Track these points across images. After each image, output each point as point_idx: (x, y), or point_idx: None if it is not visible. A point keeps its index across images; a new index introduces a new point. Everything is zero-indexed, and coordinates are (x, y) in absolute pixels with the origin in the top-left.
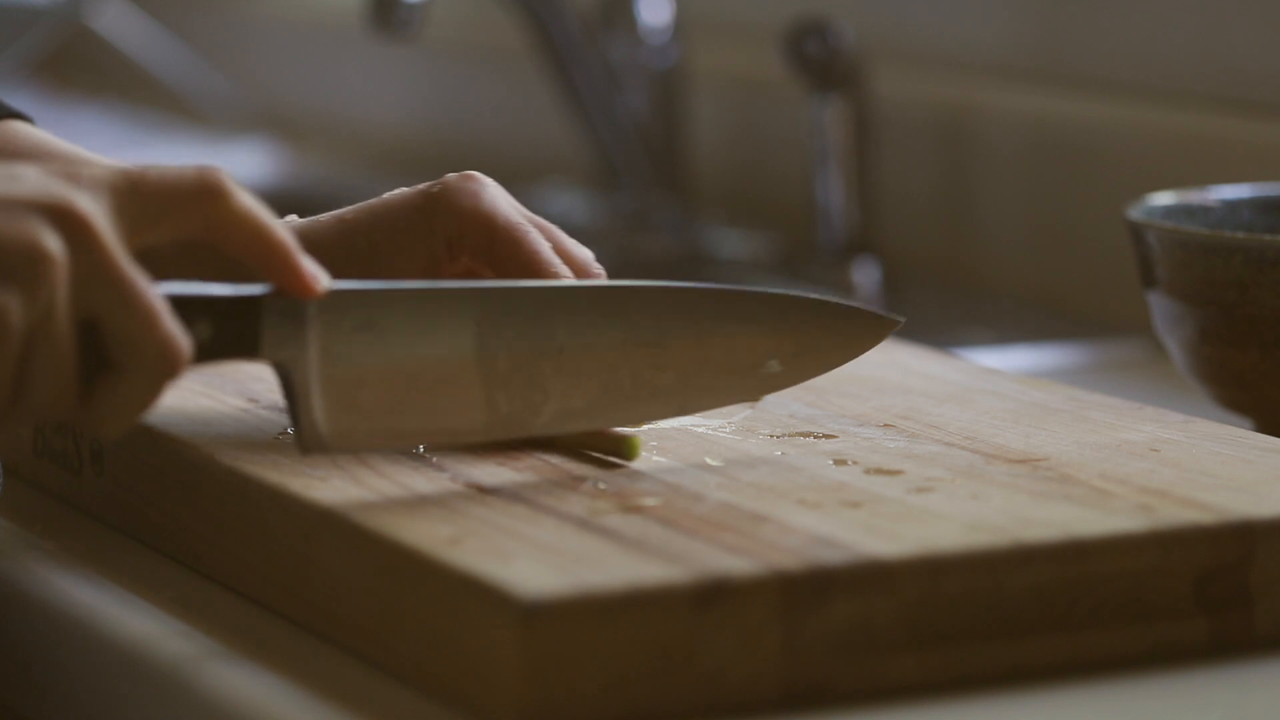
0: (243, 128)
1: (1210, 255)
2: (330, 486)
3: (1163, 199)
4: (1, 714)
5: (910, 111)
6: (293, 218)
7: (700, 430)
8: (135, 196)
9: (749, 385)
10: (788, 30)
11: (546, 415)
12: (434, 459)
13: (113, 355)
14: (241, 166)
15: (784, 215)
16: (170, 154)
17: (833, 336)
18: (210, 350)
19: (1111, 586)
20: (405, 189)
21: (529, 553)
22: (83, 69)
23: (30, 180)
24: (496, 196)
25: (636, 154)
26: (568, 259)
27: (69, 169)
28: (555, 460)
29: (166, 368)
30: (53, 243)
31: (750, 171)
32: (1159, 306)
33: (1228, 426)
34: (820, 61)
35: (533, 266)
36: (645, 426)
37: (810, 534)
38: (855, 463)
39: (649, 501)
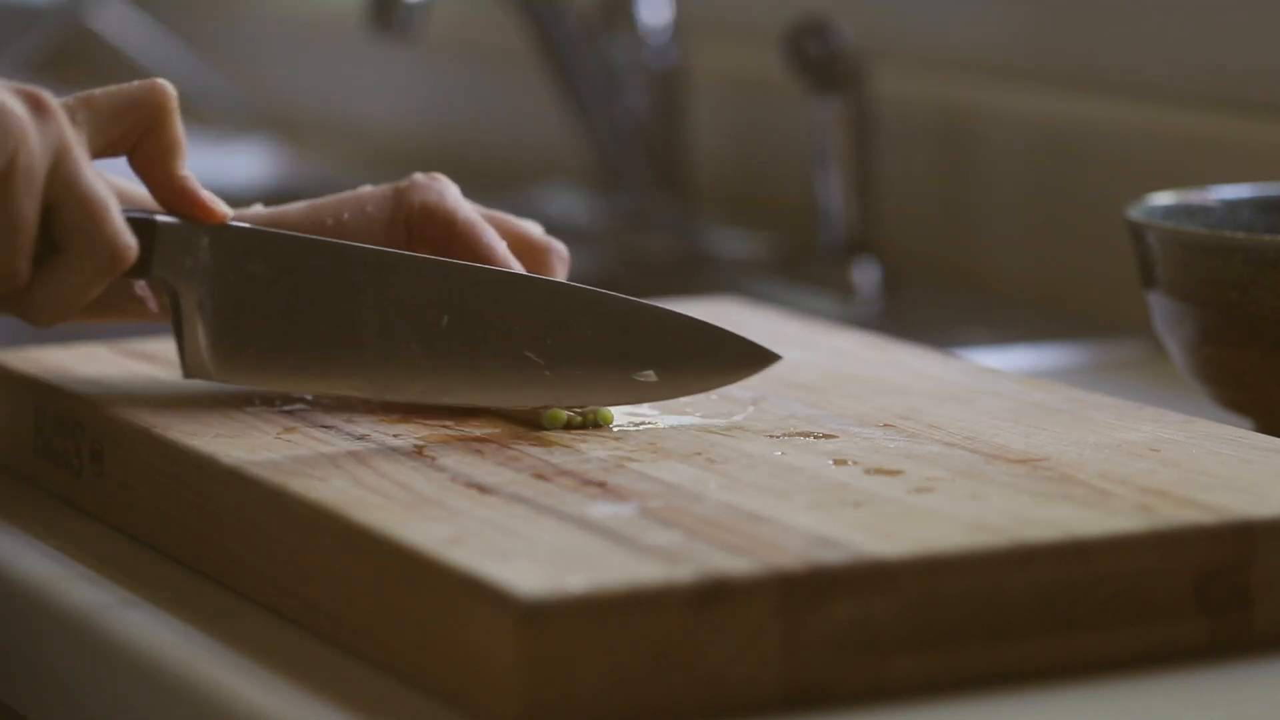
0: (243, 128)
1: (1210, 255)
2: (330, 486)
3: (1163, 199)
4: (1, 714)
5: (910, 111)
6: (257, 206)
7: (700, 430)
8: (87, 107)
9: (621, 391)
10: (788, 30)
11: (422, 385)
12: (434, 459)
13: (62, 242)
14: (241, 166)
15: (784, 215)
16: None
17: (706, 361)
18: None
19: (1111, 586)
20: (374, 186)
21: (529, 553)
22: (83, 69)
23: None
24: (459, 197)
25: (636, 154)
26: (528, 247)
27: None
28: (556, 460)
29: (113, 260)
30: (22, 111)
31: (750, 171)
32: (1159, 306)
33: (1228, 426)
34: (820, 61)
35: (488, 263)
36: (644, 426)
37: (810, 534)
38: (855, 463)
39: (649, 501)
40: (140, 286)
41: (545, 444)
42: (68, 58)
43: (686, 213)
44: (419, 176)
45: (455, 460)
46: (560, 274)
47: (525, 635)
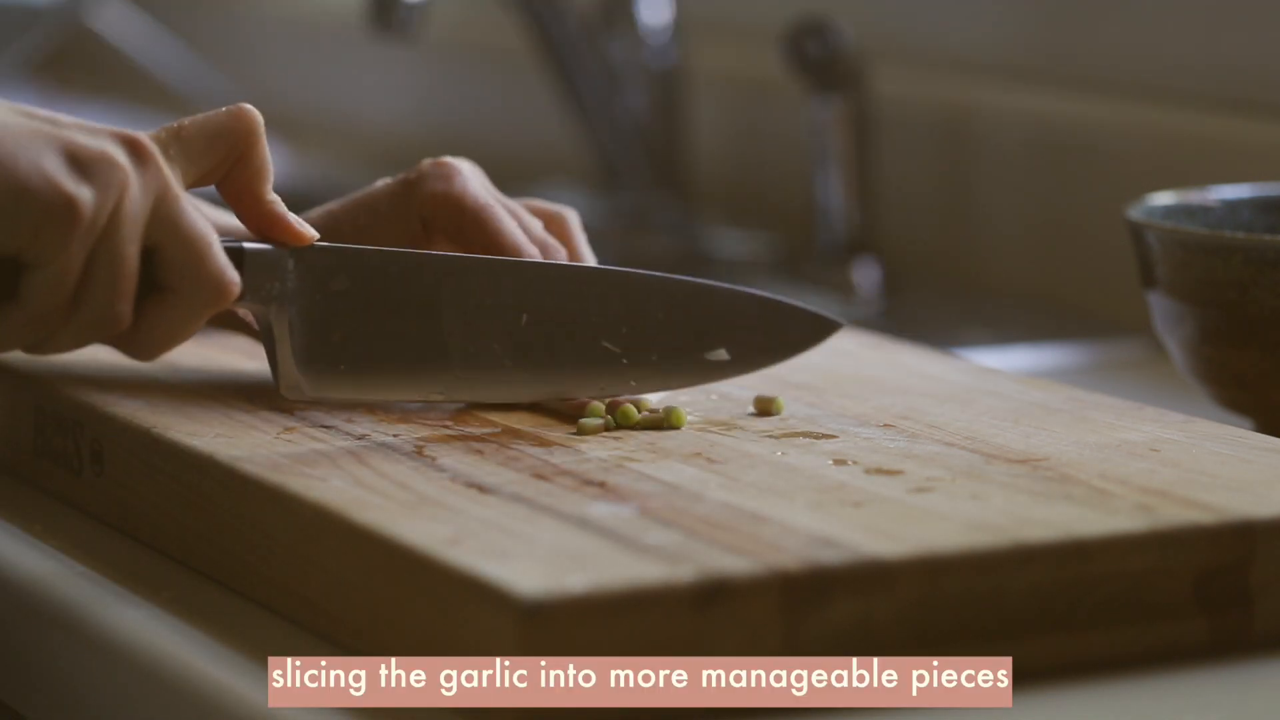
0: None
1: (1210, 255)
2: (330, 486)
3: (1163, 199)
4: (1, 714)
5: (910, 111)
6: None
7: (700, 430)
8: (179, 140)
9: (695, 372)
10: (788, 30)
11: (507, 384)
12: (434, 459)
13: (167, 281)
14: None
15: (784, 215)
16: None
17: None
18: None
19: (1111, 586)
20: (389, 178)
21: (529, 553)
22: (83, 69)
23: (100, 124)
24: (468, 180)
25: (636, 154)
26: (534, 239)
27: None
28: (555, 460)
29: (217, 295)
30: (124, 160)
31: (750, 171)
32: (1159, 306)
33: (1228, 426)
34: (820, 61)
35: (498, 246)
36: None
37: (810, 534)
38: (855, 463)
39: (649, 502)
40: (241, 311)
41: (545, 444)
42: (68, 58)
43: (686, 213)
44: (426, 164)
45: (455, 460)
46: (578, 234)
47: (525, 635)
